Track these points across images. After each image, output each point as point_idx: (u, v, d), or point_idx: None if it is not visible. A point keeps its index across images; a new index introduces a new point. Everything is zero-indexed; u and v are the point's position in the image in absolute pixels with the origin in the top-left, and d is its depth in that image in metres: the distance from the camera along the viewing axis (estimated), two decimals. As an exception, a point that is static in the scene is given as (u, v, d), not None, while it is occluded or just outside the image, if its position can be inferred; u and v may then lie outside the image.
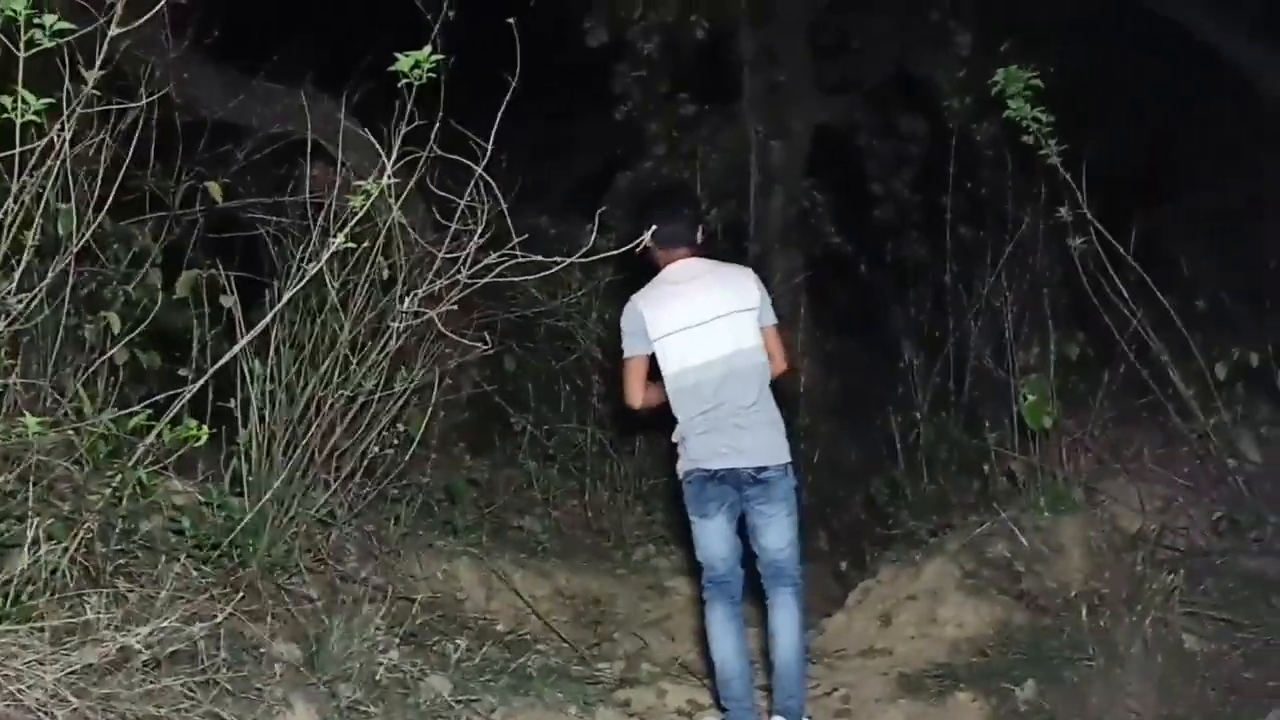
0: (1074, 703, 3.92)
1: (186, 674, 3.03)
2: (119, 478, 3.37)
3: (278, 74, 6.30)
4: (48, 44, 2.75)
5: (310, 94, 5.76)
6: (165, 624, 2.98)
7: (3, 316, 3.11)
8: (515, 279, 3.37)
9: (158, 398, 3.32)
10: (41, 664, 2.76)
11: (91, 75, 3.03)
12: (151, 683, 2.92)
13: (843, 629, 5.07)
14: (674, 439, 3.99)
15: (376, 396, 4.25)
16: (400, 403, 4.52)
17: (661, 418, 4.06)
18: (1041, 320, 5.57)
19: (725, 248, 7.64)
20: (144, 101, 3.63)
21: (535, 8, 5.04)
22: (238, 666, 3.23)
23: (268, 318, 3.26)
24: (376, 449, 4.41)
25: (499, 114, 3.40)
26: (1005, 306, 5.68)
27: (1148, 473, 5.07)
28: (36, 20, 2.71)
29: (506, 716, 3.78)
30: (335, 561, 4.27)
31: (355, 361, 4.07)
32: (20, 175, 3.03)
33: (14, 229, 3.09)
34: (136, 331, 3.82)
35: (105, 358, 3.74)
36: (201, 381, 3.33)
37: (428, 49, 3.03)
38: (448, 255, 3.39)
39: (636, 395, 4.01)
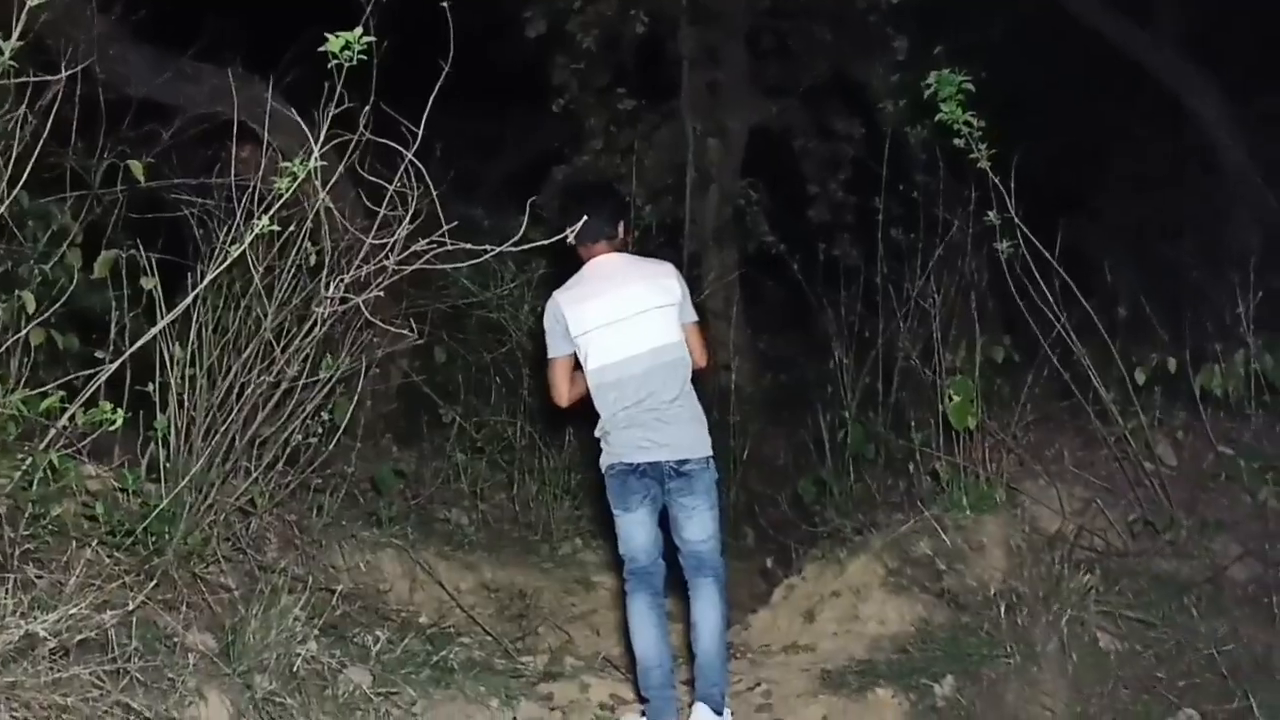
0: (991, 699, 3.98)
1: (96, 663, 2.95)
2: (29, 461, 3.27)
3: (207, 53, 6.18)
4: (-39, 12, 2.67)
5: (240, 74, 5.67)
6: (74, 611, 2.90)
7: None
8: (445, 267, 3.32)
9: (70, 378, 3.23)
10: (-58, 651, 2.68)
11: (8, 46, 2.94)
12: (59, 671, 2.84)
13: (768, 625, 5.09)
14: (596, 434, 4.01)
15: (301, 384, 4.18)
16: (325, 391, 4.45)
17: (590, 411, 4.06)
18: (969, 323, 5.63)
19: (660, 244, 7.67)
20: (63, 75, 3.54)
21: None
22: (150, 656, 3.14)
23: (187, 300, 3.18)
24: (300, 437, 4.33)
25: (431, 98, 3.35)
26: (933, 308, 5.74)
27: (1067, 474, 5.15)
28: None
29: (427, 709, 3.74)
30: (255, 551, 4.19)
31: (279, 348, 3.99)
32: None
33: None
34: (51, 312, 3.71)
35: (18, 337, 3.63)
36: (118, 363, 3.26)
37: (358, 30, 2.98)
38: (375, 241, 3.33)
39: (563, 395, 4.04)
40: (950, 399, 5.14)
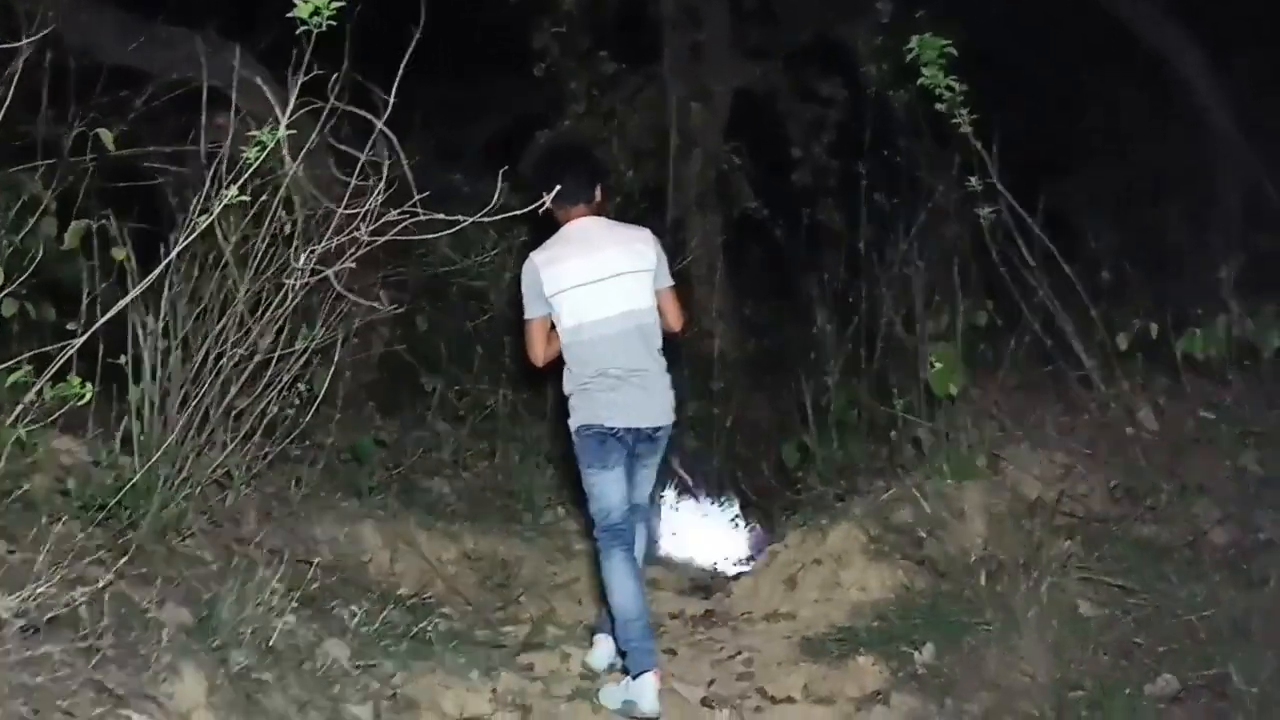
0: (971, 666, 3.98)
1: (68, 640, 2.92)
2: (-2, 435, 3.22)
3: (179, 18, 6.06)
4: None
5: (213, 40, 5.57)
6: (45, 588, 2.87)
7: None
8: (419, 237, 3.27)
9: (40, 351, 3.18)
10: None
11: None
12: (29, 649, 2.81)
13: (749, 592, 5.10)
14: (566, 390, 4.07)
15: (277, 354, 4.13)
16: (302, 361, 4.41)
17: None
18: (951, 288, 5.61)
19: (643, 209, 7.61)
20: (29, 39, 3.46)
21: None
22: (123, 632, 3.11)
23: (156, 270, 3.12)
24: (276, 409, 4.28)
25: (404, 61, 3.29)
26: (916, 274, 5.72)
27: (1049, 440, 5.14)
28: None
29: (406, 681, 3.72)
30: (231, 524, 4.16)
31: (254, 319, 3.94)
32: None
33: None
34: (19, 282, 3.65)
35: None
36: (88, 334, 3.20)
37: (331, -8, 2.91)
38: (348, 211, 3.28)
39: (539, 355, 4.14)
40: (932, 366, 5.12)
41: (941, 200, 6.01)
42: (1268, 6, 6.89)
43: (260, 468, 4.46)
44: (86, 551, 3.31)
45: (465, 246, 6.56)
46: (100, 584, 3.06)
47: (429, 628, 4.14)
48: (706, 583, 5.72)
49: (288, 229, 4.09)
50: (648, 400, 4.03)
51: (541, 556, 5.50)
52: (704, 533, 6.63)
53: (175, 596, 3.52)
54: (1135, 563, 4.29)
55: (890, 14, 7.65)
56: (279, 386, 4.28)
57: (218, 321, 3.99)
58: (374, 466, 5.57)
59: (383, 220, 3.25)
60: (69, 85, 5.11)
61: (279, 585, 3.71)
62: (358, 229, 3.30)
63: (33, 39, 3.37)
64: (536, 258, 4.05)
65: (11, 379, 3.12)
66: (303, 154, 3.53)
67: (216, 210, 2.98)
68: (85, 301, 4.04)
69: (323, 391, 4.63)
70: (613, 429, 3.99)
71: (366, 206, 3.23)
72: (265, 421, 4.34)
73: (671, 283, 4.19)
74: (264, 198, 3.72)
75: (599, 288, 3.97)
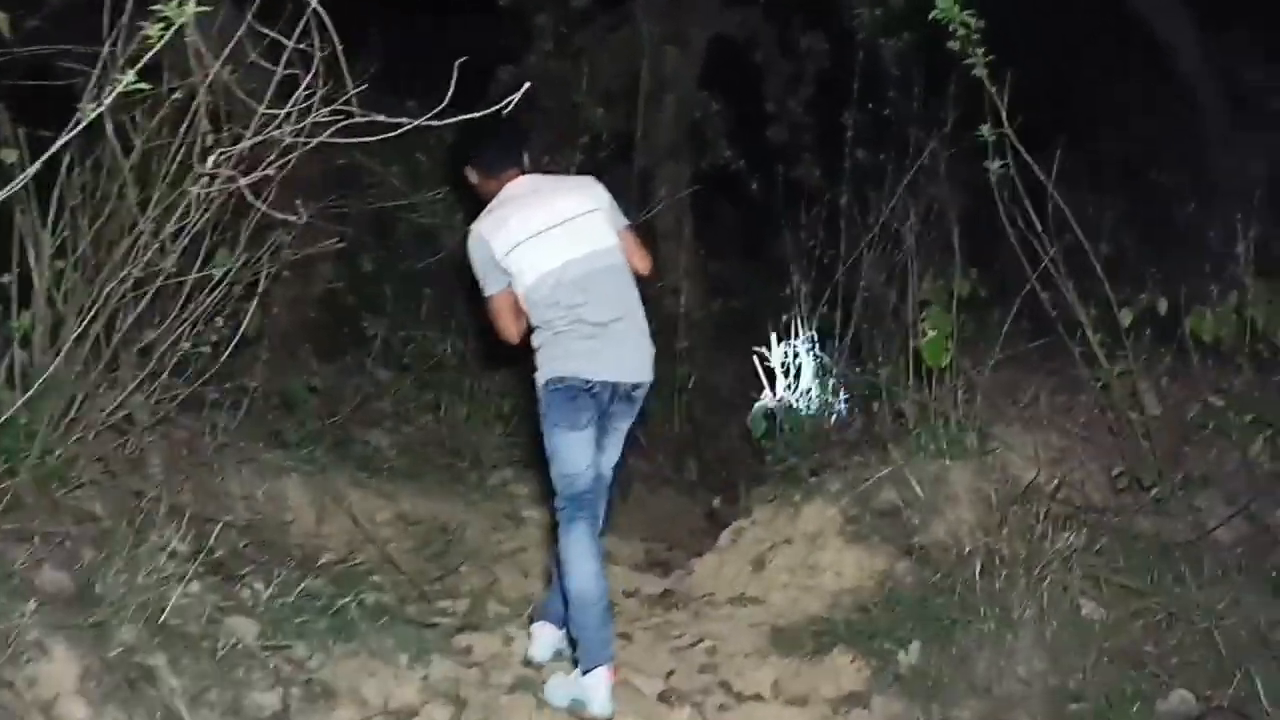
0: (961, 670, 3.58)
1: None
2: None
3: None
4: None
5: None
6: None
7: None
8: (352, 139, 2.75)
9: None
10: None
11: None
12: None
13: (712, 572, 4.66)
14: (536, 343, 3.65)
15: (190, 280, 3.60)
16: (224, 292, 3.87)
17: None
18: (940, 251, 5.19)
19: (610, 154, 7.14)
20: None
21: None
22: (-18, 600, 2.61)
23: (38, 164, 2.56)
24: (189, 344, 3.75)
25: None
26: (904, 234, 5.28)
27: (1043, 420, 4.75)
28: None
29: (323, 665, 3.23)
30: (131, 474, 3.62)
31: (162, 237, 3.38)
32: None
33: None
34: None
35: None
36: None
37: None
38: (268, 111, 2.75)
39: (512, 332, 3.75)
40: (924, 333, 4.69)
41: (931, 158, 5.57)
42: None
43: (169, 410, 3.92)
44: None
45: (416, 181, 6.06)
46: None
47: (354, 602, 3.62)
48: (664, 558, 5.28)
49: (206, 133, 3.53)
50: (629, 352, 3.62)
51: (486, 522, 5.02)
52: (662, 502, 6.19)
53: (55, 559, 3.02)
54: (1142, 560, 3.91)
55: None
56: (193, 319, 3.74)
57: (121, 239, 3.44)
58: (305, 415, 5.07)
59: (309, 120, 2.72)
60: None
61: (181, 548, 3.24)
62: (279, 128, 2.77)
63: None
64: (480, 226, 3.67)
65: None
66: (227, 49, 2.99)
67: (108, 99, 2.44)
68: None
69: (245, 328, 4.09)
70: (588, 383, 3.53)
71: (291, 104, 2.70)
72: (177, 358, 3.80)
73: (628, 222, 3.83)
74: (176, 95, 3.18)
75: (555, 233, 3.59)
